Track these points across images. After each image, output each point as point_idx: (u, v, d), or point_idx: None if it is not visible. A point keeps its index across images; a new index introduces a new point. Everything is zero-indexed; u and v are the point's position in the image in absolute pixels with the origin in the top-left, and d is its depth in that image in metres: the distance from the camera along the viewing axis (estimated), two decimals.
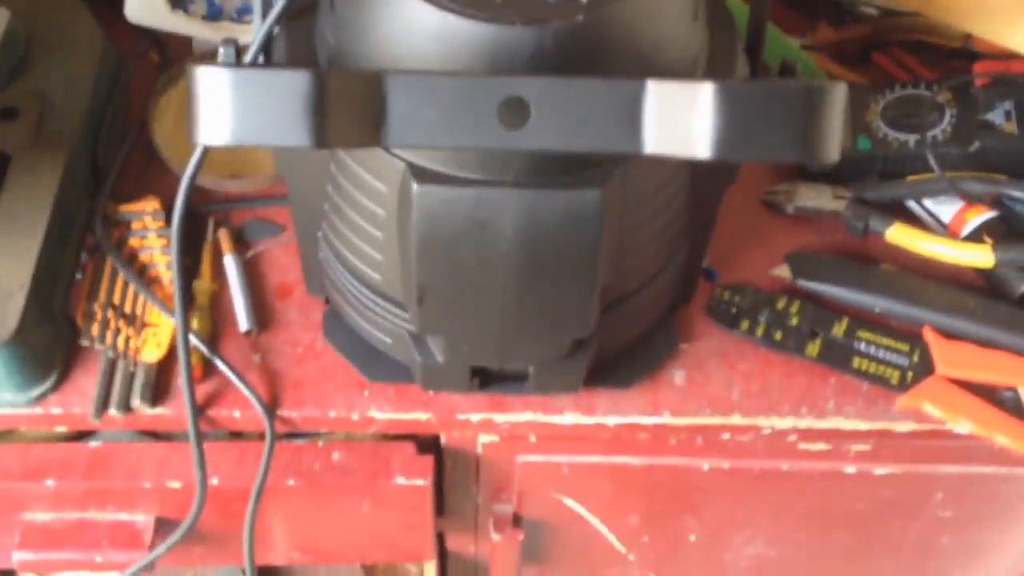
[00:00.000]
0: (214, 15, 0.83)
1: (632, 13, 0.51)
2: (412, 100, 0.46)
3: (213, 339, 0.72)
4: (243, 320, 0.72)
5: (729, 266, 0.75)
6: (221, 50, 0.60)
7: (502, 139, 0.46)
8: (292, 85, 0.44)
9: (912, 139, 0.74)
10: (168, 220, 0.74)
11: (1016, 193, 0.70)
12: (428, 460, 0.74)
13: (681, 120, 0.45)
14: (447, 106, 0.46)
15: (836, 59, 0.84)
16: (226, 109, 0.44)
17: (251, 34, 0.82)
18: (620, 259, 0.60)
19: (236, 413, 0.69)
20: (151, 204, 0.75)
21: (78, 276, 0.73)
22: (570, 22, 0.49)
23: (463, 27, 0.49)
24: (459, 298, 0.58)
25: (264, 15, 0.58)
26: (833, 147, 0.45)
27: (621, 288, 0.63)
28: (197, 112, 0.45)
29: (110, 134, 0.79)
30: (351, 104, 0.45)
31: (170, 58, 0.85)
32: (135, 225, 0.74)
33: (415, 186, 0.52)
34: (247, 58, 0.57)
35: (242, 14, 0.84)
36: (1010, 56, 0.75)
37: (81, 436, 0.76)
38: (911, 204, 0.75)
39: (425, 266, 0.56)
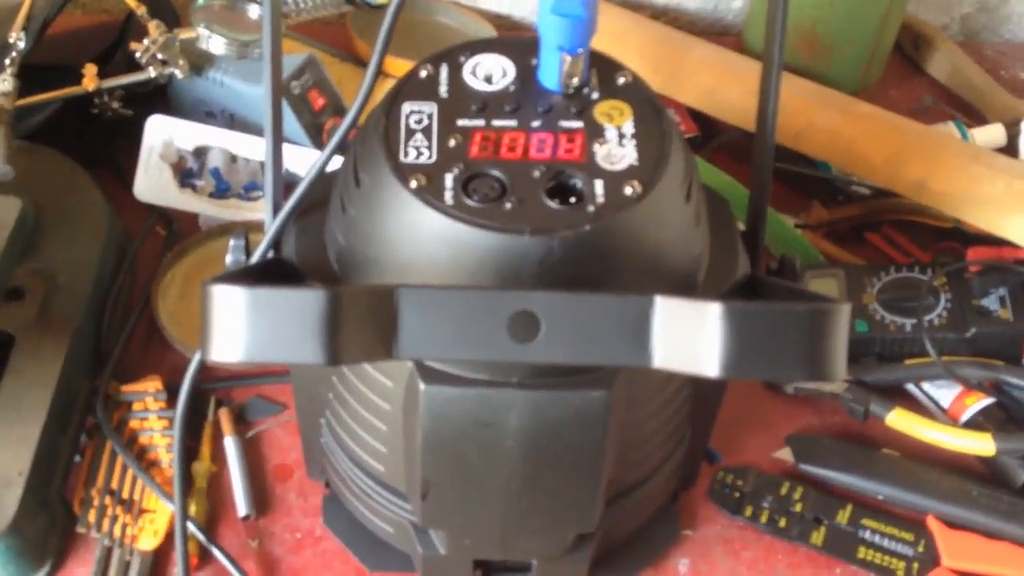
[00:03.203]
0: (221, 193, 0.85)
1: (637, 222, 0.52)
2: (423, 314, 0.46)
3: (211, 523, 0.71)
4: (242, 505, 0.71)
5: (730, 447, 0.75)
6: (232, 242, 0.62)
7: (512, 352, 0.47)
8: (307, 305, 0.44)
9: (909, 323, 0.75)
10: (170, 401, 0.74)
11: (1013, 379, 0.71)
12: None
13: (689, 338, 0.45)
14: (458, 320, 0.47)
15: (829, 237, 0.86)
16: (240, 328, 0.44)
17: (258, 210, 0.84)
18: (624, 454, 0.60)
19: None
20: (153, 384, 0.75)
21: (77, 459, 0.73)
22: (577, 231, 0.51)
23: (473, 235, 0.51)
24: (463, 493, 0.58)
25: (275, 211, 0.60)
26: (839, 367, 0.45)
27: (625, 481, 0.63)
28: (210, 329, 0.45)
29: (114, 312, 0.79)
30: (363, 320, 0.46)
31: (177, 232, 0.86)
32: (136, 406, 0.74)
33: (422, 385, 0.53)
34: (257, 253, 0.58)
35: (249, 191, 0.86)
36: (1002, 242, 0.77)
37: None
38: (910, 387, 0.76)
39: (430, 462, 0.56)
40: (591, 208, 0.51)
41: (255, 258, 0.58)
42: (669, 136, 0.55)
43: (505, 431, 0.54)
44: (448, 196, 0.51)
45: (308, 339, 0.45)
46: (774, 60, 0.59)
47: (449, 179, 0.52)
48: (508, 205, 0.51)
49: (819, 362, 0.45)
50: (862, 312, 0.77)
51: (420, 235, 0.52)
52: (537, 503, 0.58)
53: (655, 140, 0.54)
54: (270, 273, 0.57)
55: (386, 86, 0.89)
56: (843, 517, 0.70)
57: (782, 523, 0.70)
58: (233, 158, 0.85)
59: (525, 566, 0.66)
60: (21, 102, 0.80)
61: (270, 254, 0.59)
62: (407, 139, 0.54)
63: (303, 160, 0.84)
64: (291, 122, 0.83)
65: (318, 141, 0.85)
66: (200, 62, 0.84)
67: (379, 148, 0.53)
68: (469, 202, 0.51)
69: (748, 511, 0.71)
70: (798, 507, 0.71)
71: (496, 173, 0.52)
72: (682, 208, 0.55)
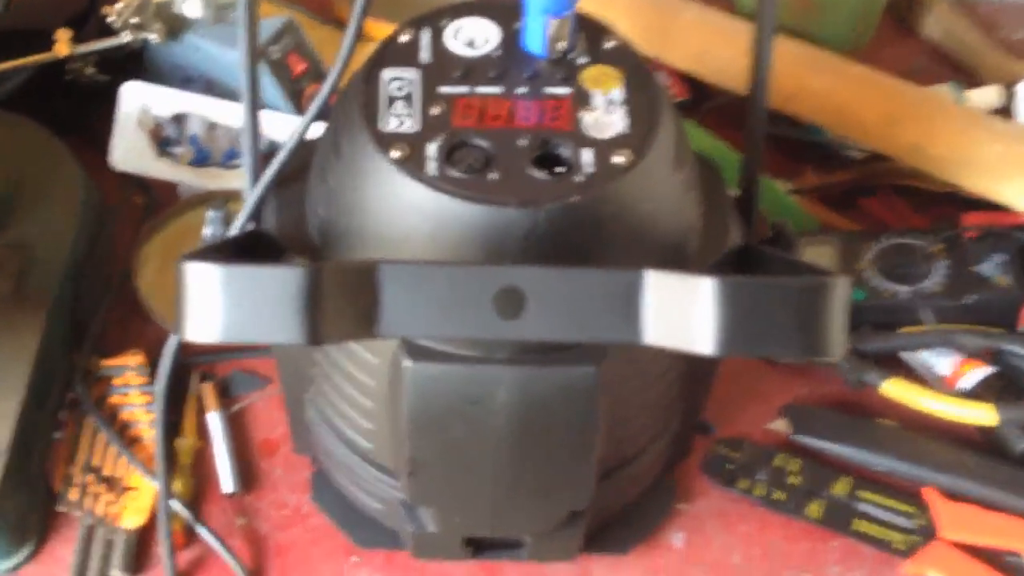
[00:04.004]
0: (201, 160, 0.82)
1: (627, 192, 0.50)
2: (406, 290, 0.45)
3: (195, 501, 0.69)
4: (227, 482, 0.69)
5: (724, 417, 0.74)
6: (209, 214, 0.60)
7: (498, 329, 0.45)
8: (285, 283, 0.42)
9: (905, 290, 0.74)
10: (152, 375, 0.73)
11: (1013, 348, 0.70)
12: None
13: (681, 313, 0.44)
14: (442, 296, 0.45)
15: (823, 203, 0.84)
16: (216, 307, 0.43)
17: (239, 179, 0.82)
18: (616, 429, 0.58)
19: None
20: (134, 359, 0.73)
21: (56, 435, 0.71)
22: (565, 203, 0.49)
23: (456, 207, 0.49)
24: (452, 471, 0.57)
25: (254, 182, 0.58)
26: (837, 344, 0.44)
27: (617, 456, 0.61)
28: (185, 308, 0.44)
29: (92, 285, 0.77)
30: (344, 297, 0.44)
31: (155, 201, 0.84)
32: (116, 381, 0.72)
33: (407, 362, 0.51)
34: (236, 224, 0.56)
35: (230, 158, 0.83)
36: (999, 207, 0.75)
37: None
38: (906, 355, 0.74)
39: (417, 440, 0.54)
40: (579, 178, 0.49)
41: (233, 231, 0.56)
42: (659, 102, 0.53)
43: (493, 408, 0.52)
44: (431, 167, 0.50)
45: (287, 318, 0.43)
46: (767, 21, 0.57)
47: (432, 149, 0.50)
48: (493, 176, 0.49)
49: (817, 339, 0.43)
50: (857, 279, 0.75)
51: (402, 207, 0.50)
52: (527, 480, 0.57)
53: (645, 106, 0.52)
54: (249, 247, 0.55)
55: (367, 50, 0.87)
56: (839, 489, 0.69)
57: (777, 496, 0.69)
58: (213, 125, 0.83)
59: (517, 542, 0.65)
60: None
61: (249, 226, 0.57)
62: (388, 107, 0.52)
63: (284, 127, 0.81)
64: (270, 88, 0.81)
65: (298, 107, 0.83)
66: (176, 26, 0.82)
67: (359, 117, 0.51)
68: (453, 173, 0.49)
69: (743, 484, 0.70)
70: (794, 479, 0.70)
71: (480, 142, 0.50)
72: (673, 177, 0.53)
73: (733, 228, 0.59)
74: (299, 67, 0.83)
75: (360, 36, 0.54)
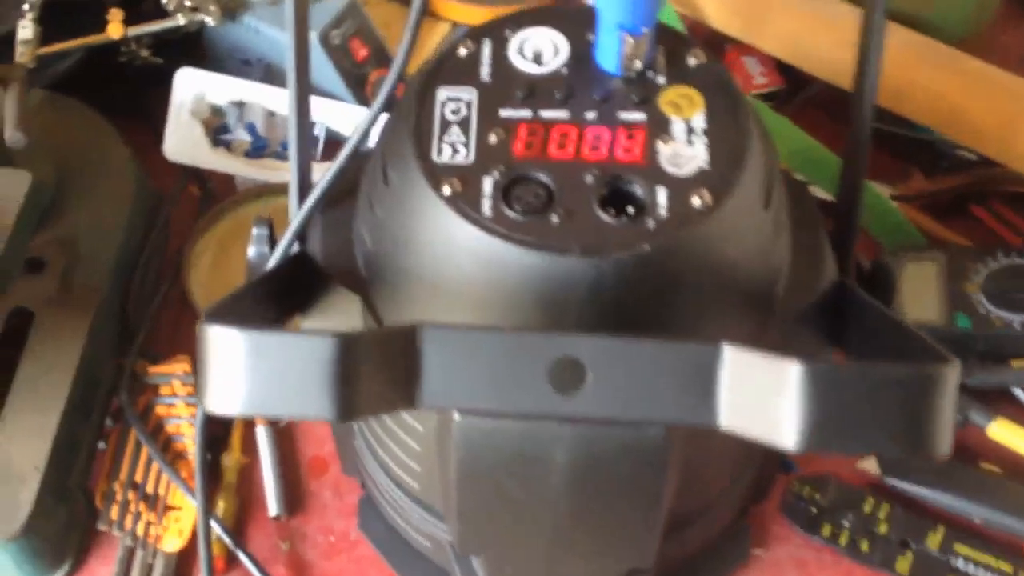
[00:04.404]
0: (258, 151, 0.78)
1: (706, 239, 0.44)
2: (451, 358, 0.40)
3: (239, 522, 0.66)
4: (273, 504, 0.66)
5: (808, 454, 0.67)
6: (254, 232, 0.55)
7: (553, 405, 0.40)
8: (314, 353, 0.38)
9: (1018, 319, 0.66)
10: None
11: None
12: None
13: (762, 399, 0.38)
14: (491, 365, 0.40)
15: (929, 210, 0.77)
16: (239, 377, 0.38)
17: None
18: (688, 483, 0.53)
19: None
20: (181, 366, 0.70)
21: (101, 445, 0.68)
22: (634, 252, 0.43)
23: (513, 253, 0.43)
24: (503, 524, 0.52)
25: (301, 199, 0.53)
26: (943, 442, 0.38)
27: (688, 508, 0.56)
28: (207, 374, 0.39)
29: (142, 283, 0.74)
30: (381, 367, 0.39)
31: (212, 192, 0.80)
32: (163, 390, 0.69)
33: (456, 416, 0.46)
34: (280, 246, 0.52)
35: (288, 148, 0.79)
36: None
37: None
38: (1017, 392, 0.67)
39: (466, 494, 0.50)
40: (651, 223, 0.44)
41: (277, 254, 0.52)
42: (747, 130, 0.46)
43: (550, 467, 0.47)
44: (486, 206, 0.44)
45: (316, 392, 0.38)
46: (877, 6, 0.50)
47: (488, 184, 0.45)
48: (555, 218, 0.44)
49: (920, 436, 0.37)
50: (964, 304, 0.68)
51: (453, 248, 0.45)
52: (586, 539, 0.52)
53: (731, 136, 0.46)
54: (290, 278, 0.51)
55: (437, 31, 0.82)
56: (933, 541, 0.63)
57: (864, 546, 0.63)
58: (271, 113, 0.78)
59: None
60: (44, 49, 0.74)
61: (294, 248, 0.53)
62: (441, 133, 0.46)
63: (345, 117, 0.77)
64: (331, 75, 0.76)
65: (361, 95, 0.77)
66: (233, 7, 0.77)
67: (409, 144, 0.46)
68: (510, 213, 0.44)
69: (826, 530, 0.64)
70: (883, 527, 0.64)
71: (542, 177, 0.45)
72: (760, 217, 0.47)
73: (827, 264, 0.52)
74: (362, 52, 0.77)
75: (426, 14, 0.48)
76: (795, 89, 0.84)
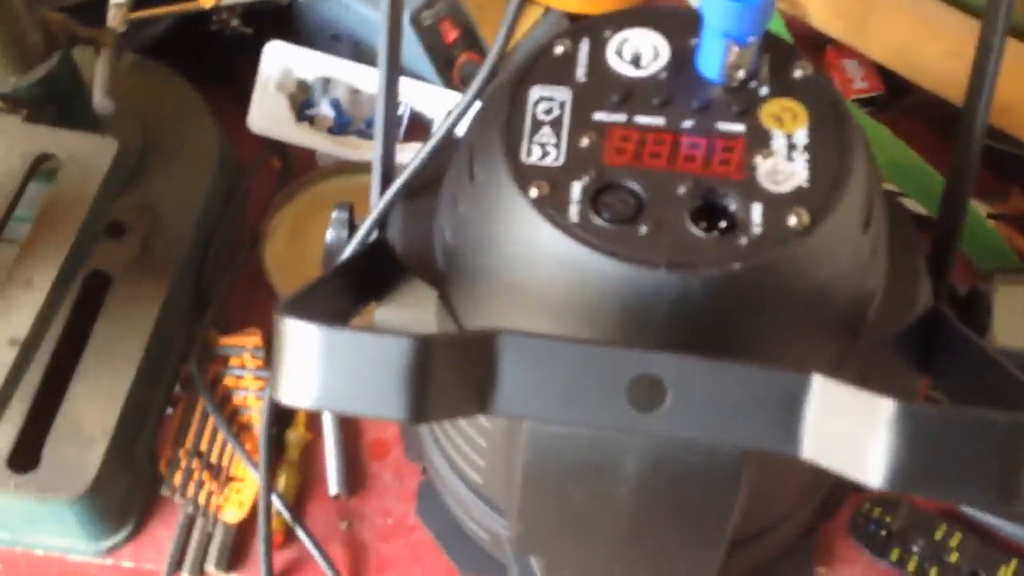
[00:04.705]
0: (341, 127, 0.78)
1: (800, 260, 0.43)
2: (527, 367, 0.39)
3: (299, 498, 0.66)
4: (333, 483, 0.66)
5: None
6: (334, 215, 0.55)
7: (630, 421, 0.39)
8: (390, 354, 0.37)
9: None
10: (268, 359, 0.69)
11: None
12: None
13: (849, 434, 0.37)
14: (568, 378, 0.39)
15: None
16: (313, 371, 0.38)
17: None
18: (757, 502, 0.51)
19: None
20: (252, 339, 0.70)
21: (168, 411, 0.69)
22: (724, 270, 0.42)
23: (598, 263, 0.42)
24: (565, 529, 0.51)
25: (383, 187, 0.52)
26: None
27: (755, 526, 0.55)
28: (281, 366, 0.39)
29: (219, 252, 0.74)
30: (456, 371, 0.38)
31: (292, 166, 0.80)
32: (233, 362, 0.69)
33: (527, 421, 0.45)
34: (359, 233, 0.51)
35: (371, 125, 0.78)
36: None
37: None
38: None
39: (530, 496, 0.49)
40: (744, 240, 0.42)
41: (355, 241, 0.51)
42: (852, 150, 0.45)
43: (619, 478, 0.46)
44: (573, 211, 0.43)
45: (390, 393, 0.38)
46: (1001, 16, 0.47)
47: (577, 189, 0.44)
48: (643, 228, 0.42)
49: (1014, 489, 0.36)
50: None
51: (536, 252, 0.44)
52: (648, 551, 0.51)
53: (833, 154, 0.44)
54: (368, 266, 0.50)
55: (529, 16, 0.80)
56: (1004, 575, 0.61)
57: (932, 574, 0.61)
58: (356, 91, 0.78)
59: None
60: (136, 15, 0.75)
61: (373, 236, 0.52)
62: (532, 133, 0.45)
63: (431, 99, 0.76)
64: (420, 56, 0.75)
65: (448, 78, 0.77)
66: None
67: (498, 142, 0.45)
68: (597, 221, 0.43)
69: (894, 554, 0.62)
70: (953, 556, 0.62)
71: (633, 185, 0.44)
72: (858, 240, 0.45)
73: (922, 288, 0.51)
74: (452, 35, 0.76)
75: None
76: (894, 95, 0.81)
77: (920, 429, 0.35)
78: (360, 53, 0.78)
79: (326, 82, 0.77)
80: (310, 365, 0.38)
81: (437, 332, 0.48)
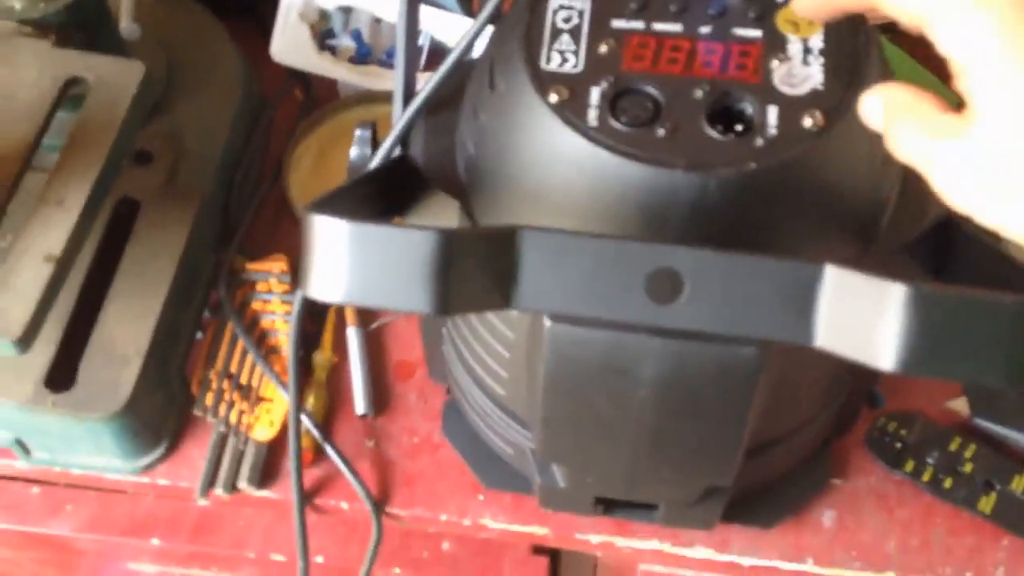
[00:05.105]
0: (362, 57, 0.78)
1: (815, 161, 0.44)
2: (549, 261, 0.40)
3: (327, 419, 0.68)
4: (360, 403, 0.67)
5: (897, 389, 0.67)
6: (357, 133, 0.56)
7: (648, 314, 0.40)
8: (416, 247, 0.38)
9: None
10: (294, 284, 0.71)
11: None
12: (542, 562, 0.70)
13: (862, 320, 0.38)
14: (588, 271, 0.40)
15: None
16: (342, 266, 0.39)
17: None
18: (774, 406, 0.53)
19: (344, 504, 0.65)
20: (278, 264, 0.71)
21: (198, 336, 0.70)
22: (740, 170, 0.43)
23: (617, 165, 0.43)
24: (586, 434, 0.53)
25: (405, 104, 0.53)
26: None
27: (772, 432, 0.56)
28: (310, 262, 0.40)
29: (244, 181, 0.75)
30: (479, 265, 0.40)
31: (315, 96, 0.81)
32: (260, 287, 0.71)
33: (547, 323, 0.47)
34: (383, 148, 0.52)
35: (392, 56, 0.79)
36: None
37: None
38: None
39: (552, 401, 0.50)
40: (760, 141, 0.43)
41: (379, 156, 0.53)
42: (866, 53, 0.45)
43: (638, 380, 0.47)
44: (592, 115, 0.44)
45: (415, 285, 0.39)
46: None
47: (595, 94, 0.45)
48: (661, 131, 0.43)
49: (1020, 368, 0.37)
50: None
51: (556, 157, 0.45)
52: (668, 453, 0.52)
53: (848, 58, 0.45)
54: (391, 180, 0.51)
55: None
56: (1019, 484, 0.62)
57: (947, 483, 0.63)
58: (377, 20, 0.79)
59: (651, 504, 0.61)
60: None
61: (395, 152, 0.53)
62: (552, 41, 0.46)
63: (450, 27, 0.77)
64: None
65: (467, 6, 0.77)
66: None
67: (518, 50, 0.46)
68: (616, 124, 0.44)
69: (909, 465, 0.63)
70: (968, 467, 0.63)
71: (651, 90, 0.45)
72: (872, 144, 0.46)
73: (934, 198, 0.51)
74: None
75: None
76: None
77: (930, 311, 0.36)
78: None
79: (347, 12, 0.78)
80: (339, 260, 0.39)
81: (460, 227, 0.49)
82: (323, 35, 0.78)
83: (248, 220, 0.74)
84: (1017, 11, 0.35)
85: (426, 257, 0.38)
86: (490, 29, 0.51)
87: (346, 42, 0.79)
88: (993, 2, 0.35)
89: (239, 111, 0.76)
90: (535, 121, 0.45)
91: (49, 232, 0.56)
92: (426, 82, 0.51)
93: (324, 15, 0.78)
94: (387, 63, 0.79)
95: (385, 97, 0.77)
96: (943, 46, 0.37)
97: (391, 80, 0.77)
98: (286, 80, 0.80)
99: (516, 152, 0.47)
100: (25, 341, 0.54)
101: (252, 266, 0.71)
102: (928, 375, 0.38)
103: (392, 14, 0.78)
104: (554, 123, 0.44)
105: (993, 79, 0.35)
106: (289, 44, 0.77)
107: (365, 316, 0.71)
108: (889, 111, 0.39)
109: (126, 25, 0.64)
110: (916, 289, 0.36)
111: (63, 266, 0.56)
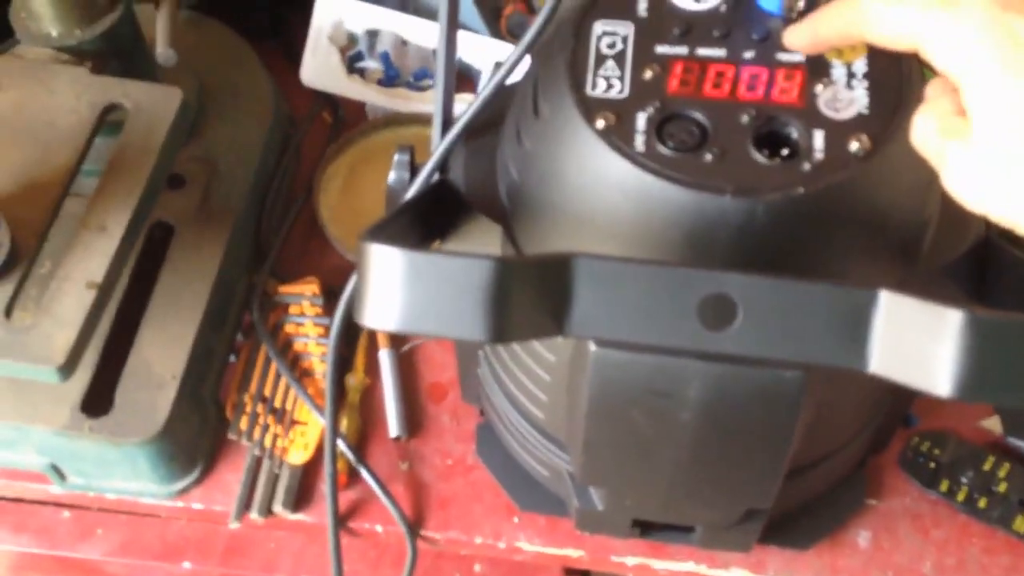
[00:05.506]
0: (390, 79, 0.79)
1: (862, 184, 0.44)
2: (601, 289, 0.40)
3: (361, 441, 0.68)
4: (393, 425, 0.68)
5: (930, 408, 0.67)
6: (396, 157, 0.56)
7: (701, 340, 0.40)
8: (472, 275, 0.38)
9: None
10: (326, 305, 0.71)
11: None
12: None
13: (917, 346, 0.38)
14: (641, 298, 0.40)
15: None
16: (398, 294, 0.39)
17: (426, 101, 0.78)
18: (815, 429, 0.53)
19: (379, 527, 0.65)
20: (310, 287, 0.71)
21: (232, 359, 0.71)
22: (788, 194, 0.43)
23: (664, 190, 0.44)
24: (627, 457, 0.53)
25: (444, 130, 0.54)
26: None
27: (811, 454, 0.56)
28: (366, 290, 0.40)
29: (275, 204, 0.76)
30: (534, 292, 0.40)
31: (343, 119, 0.81)
32: (293, 310, 0.71)
33: (593, 347, 0.47)
34: (422, 174, 0.53)
35: (419, 78, 0.80)
36: None
37: None
38: None
39: (594, 424, 0.51)
40: (807, 166, 0.43)
41: (419, 180, 0.53)
42: (910, 77, 0.46)
43: (682, 403, 0.48)
44: (639, 141, 0.44)
45: (470, 313, 0.39)
46: None
47: (642, 120, 0.45)
48: (708, 156, 0.44)
49: None
50: None
51: (603, 183, 0.45)
52: (709, 476, 0.53)
53: (892, 82, 0.45)
54: (432, 205, 0.52)
55: None
56: None
57: (982, 503, 0.63)
58: (404, 42, 0.79)
59: (689, 527, 0.61)
60: None
61: (435, 177, 0.53)
62: (597, 67, 0.46)
63: (478, 49, 0.77)
64: (468, 6, 0.76)
65: (495, 28, 0.78)
66: None
67: (563, 76, 0.46)
68: (663, 150, 0.44)
69: (944, 485, 0.63)
70: (1002, 487, 0.63)
71: (697, 115, 0.45)
72: (917, 166, 0.46)
73: (974, 216, 0.52)
74: None
75: None
76: None
77: (987, 336, 0.36)
78: (406, 4, 0.79)
79: (373, 35, 0.78)
80: (394, 288, 0.39)
81: (515, 255, 0.49)
82: (352, 58, 0.79)
83: (279, 243, 0.74)
84: (994, 21, 0.37)
85: (482, 285, 0.39)
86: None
87: (374, 65, 0.79)
88: (971, 16, 0.37)
89: (270, 134, 0.76)
90: (581, 147, 0.45)
91: (91, 258, 0.56)
92: (466, 108, 0.52)
93: (352, 38, 0.79)
94: (415, 86, 0.79)
95: (414, 119, 0.78)
96: (937, 63, 0.39)
97: (420, 102, 0.78)
98: (314, 103, 0.80)
99: (561, 178, 0.47)
100: (68, 368, 0.54)
101: (284, 289, 0.72)
102: (985, 401, 0.38)
103: (418, 36, 0.78)
104: (601, 149, 0.44)
105: (984, 86, 0.37)
106: (320, 68, 0.77)
107: (397, 338, 0.71)
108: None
109: (162, 51, 0.64)
110: (972, 315, 0.36)
111: (105, 292, 0.56)
